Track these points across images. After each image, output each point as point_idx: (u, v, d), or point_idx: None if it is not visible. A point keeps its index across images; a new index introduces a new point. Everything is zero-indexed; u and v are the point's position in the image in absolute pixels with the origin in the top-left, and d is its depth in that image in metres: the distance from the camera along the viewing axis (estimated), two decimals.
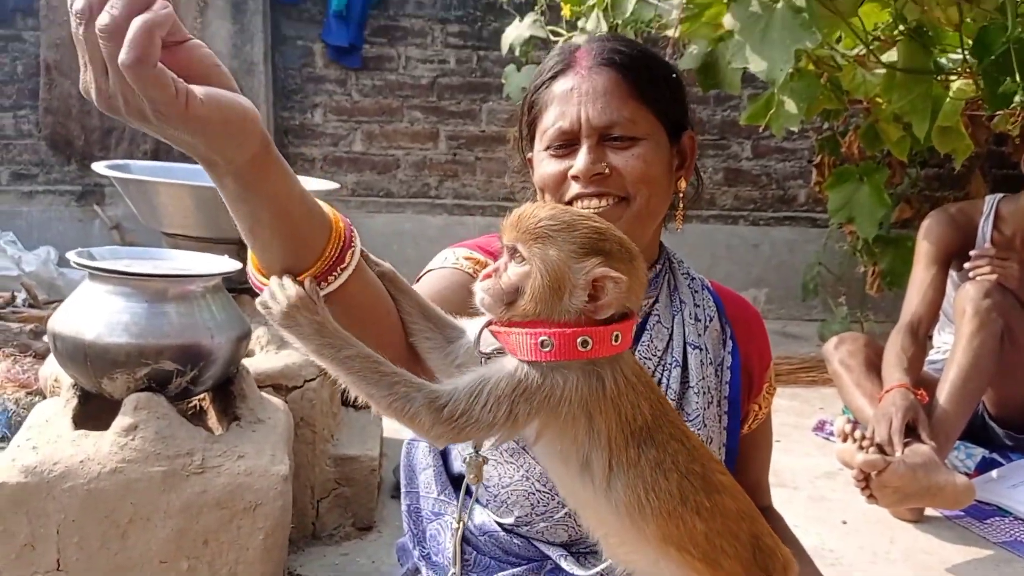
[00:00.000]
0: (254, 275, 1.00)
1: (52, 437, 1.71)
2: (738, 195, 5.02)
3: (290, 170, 0.92)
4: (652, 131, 1.29)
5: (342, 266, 0.96)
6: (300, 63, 4.86)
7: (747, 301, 1.51)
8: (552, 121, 1.29)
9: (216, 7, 4.55)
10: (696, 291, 1.41)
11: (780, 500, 1.71)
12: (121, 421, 1.68)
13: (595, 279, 0.95)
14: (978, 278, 2.75)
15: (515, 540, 1.30)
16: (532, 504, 1.28)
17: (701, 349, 1.36)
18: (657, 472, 0.98)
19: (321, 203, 0.98)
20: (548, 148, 1.30)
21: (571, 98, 1.28)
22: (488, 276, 1.00)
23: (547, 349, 0.95)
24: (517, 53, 3.99)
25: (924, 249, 2.94)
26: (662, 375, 1.33)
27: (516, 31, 3.93)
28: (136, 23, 0.73)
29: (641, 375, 1.01)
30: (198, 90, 0.79)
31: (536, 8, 3.89)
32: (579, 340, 0.95)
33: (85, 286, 1.77)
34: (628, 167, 1.26)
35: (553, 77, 1.31)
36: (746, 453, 1.45)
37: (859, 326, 4.24)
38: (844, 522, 2.53)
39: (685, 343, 1.35)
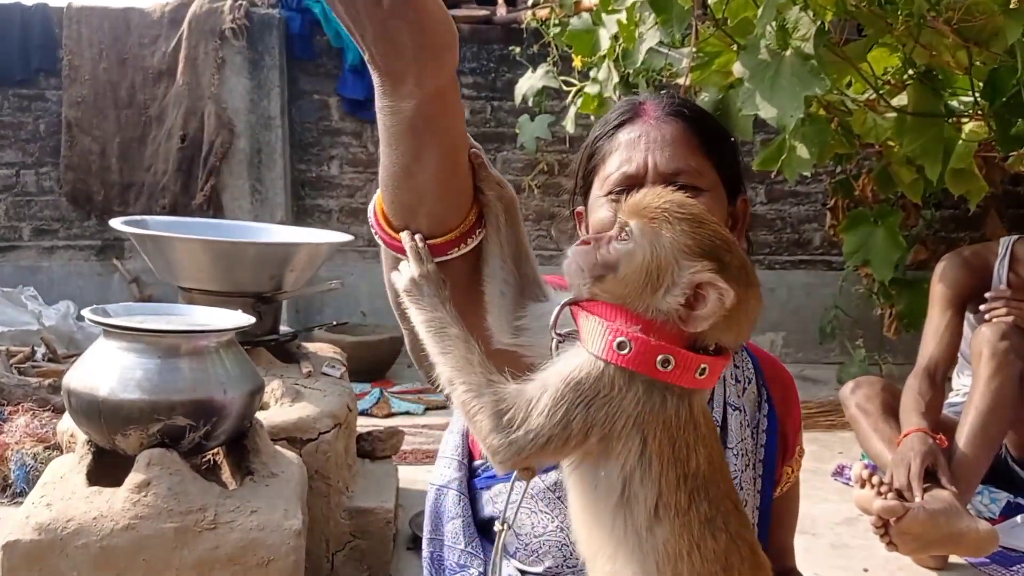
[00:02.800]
0: (378, 221, 0.96)
1: (66, 494, 1.72)
2: (753, 239, 5.01)
3: (464, 113, 0.90)
4: (714, 186, 1.28)
5: (477, 231, 0.95)
6: (316, 116, 4.94)
7: (782, 364, 1.49)
8: (617, 166, 1.28)
9: (234, 64, 4.65)
10: (736, 352, 1.39)
11: (800, 548, 1.68)
12: (134, 478, 1.69)
13: (699, 283, 0.85)
14: (994, 320, 2.73)
15: None
16: (564, 556, 1.26)
17: (740, 410, 1.34)
18: (706, 529, 0.87)
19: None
20: (610, 193, 1.28)
21: (638, 144, 1.27)
22: (586, 243, 0.91)
23: (624, 352, 0.85)
24: (530, 103, 4.04)
25: (939, 292, 2.92)
26: None
27: (529, 82, 3.99)
28: None
29: (707, 419, 0.91)
30: None
31: (548, 59, 3.95)
32: (660, 357, 0.85)
33: (99, 343, 1.80)
34: None
35: (619, 126, 1.31)
36: (776, 516, 1.43)
37: (877, 368, 4.21)
38: (866, 570, 2.49)
39: (726, 403, 1.34)
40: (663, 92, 1.36)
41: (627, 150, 1.28)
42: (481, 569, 1.34)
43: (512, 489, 1.06)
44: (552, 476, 1.27)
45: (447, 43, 0.82)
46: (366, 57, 0.84)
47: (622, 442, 0.86)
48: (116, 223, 2.60)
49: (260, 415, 2.09)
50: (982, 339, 2.67)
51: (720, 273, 0.85)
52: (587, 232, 1.36)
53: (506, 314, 0.99)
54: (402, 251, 0.93)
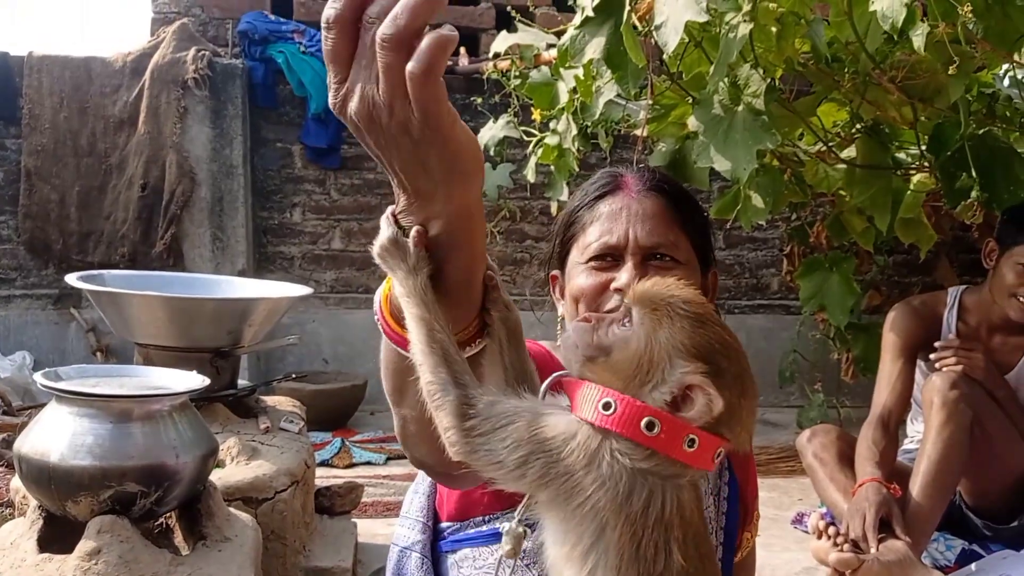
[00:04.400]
0: (383, 311, 0.96)
1: (16, 560, 1.69)
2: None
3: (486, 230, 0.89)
4: (690, 259, 1.34)
5: (476, 341, 0.94)
6: (279, 164, 4.95)
7: None
8: (598, 236, 1.33)
9: (196, 112, 4.66)
10: None
11: None
12: (84, 545, 1.66)
13: (689, 385, 0.82)
14: (944, 369, 2.79)
15: None
16: None
17: (704, 479, 1.35)
18: None
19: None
20: (590, 261, 1.34)
21: (620, 216, 1.32)
22: (587, 320, 0.90)
23: (608, 413, 0.82)
24: (492, 152, 4.09)
25: (891, 342, 2.98)
26: None
27: (490, 131, 4.04)
28: (432, 37, 0.73)
29: (692, 520, 0.85)
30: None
31: (509, 110, 4.01)
32: (646, 420, 0.82)
33: (51, 407, 1.78)
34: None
35: (599, 197, 1.37)
36: None
37: (836, 412, 4.27)
38: None
39: None
40: (641, 167, 1.42)
41: (608, 221, 1.33)
42: None
43: (500, 564, 1.06)
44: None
45: (475, 168, 0.83)
46: (393, 181, 0.85)
47: (576, 520, 0.83)
48: (72, 278, 2.58)
49: (216, 474, 2.07)
50: (933, 388, 2.72)
51: (713, 378, 0.82)
52: (561, 296, 1.41)
53: None
54: (403, 344, 0.91)
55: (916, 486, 2.59)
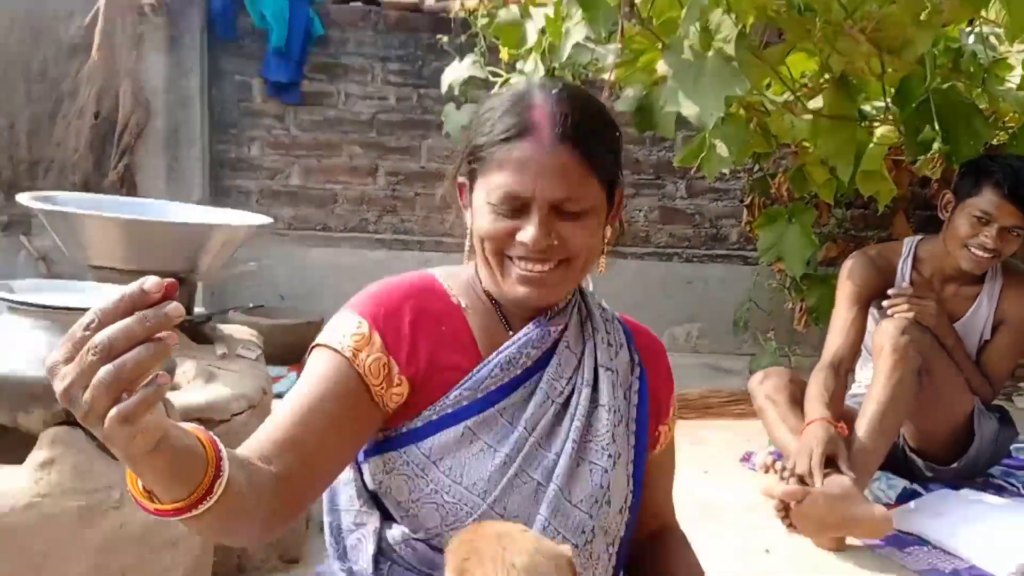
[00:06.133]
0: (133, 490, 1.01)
1: None
2: (673, 233, 5.12)
3: (178, 436, 0.94)
4: (597, 201, 1.34)
5: (209, 496, 0.99)
6: (237, 98, 4.85)
7: (654, 335, 1.60)
8: (504, 182, 1.30)
9: (152, 40, 4.53)
10: (608, 320, 1.51)
11: (706, 531, 1.76)
12: (36, 456, 1.65)
13: None
14: (896, 316, 2.85)
15: (429, 551, 1.33)
16: (442, 516, 1.32)
17: (613, 371, 1.44)
18: None
19: (196, 433, 1.01)
20: (493, 204, 1.32)
21: (528, 167, 1.29)
22: None
23: None
24: (457, 92, 4.05)
25: (845, 290, 3.03)
26: (572, 394, 1.41)
27: (455, 71, 4.00)
28: (138, 397, 0.82)
29: None
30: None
31: (476, 50, 3.96)
32: None
33: (4, 319, 1.74)
34: (575, 237, 1.32)
35: (507, 139, 1.32)
36: (654, 475, 1.54)
37: (787, 360, 4.34)
38: (767, 551, 2.58)
39: (597, 365, 1.44)
40: (552, 92, 1.37)
41: (516, 171, 1.30)
42: (376, 524, 1.39)
43: None
44: (427, 444, 1.34)
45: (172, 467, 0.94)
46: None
47: None
48: (24, 198, 2.52)
49: (171, 396, 2.05)
50: (884, 334, 2.78)
51: None
52: (469, 204, 1.39)
53: None
54: (167, 513, 0.98)
55: (862, 426, 2.66)
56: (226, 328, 2.83)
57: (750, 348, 4.83)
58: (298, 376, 1.36)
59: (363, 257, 4.93)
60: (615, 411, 1.42)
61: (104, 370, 0.81)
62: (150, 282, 0.82)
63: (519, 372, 1.40)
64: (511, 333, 1.44)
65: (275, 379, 3.80)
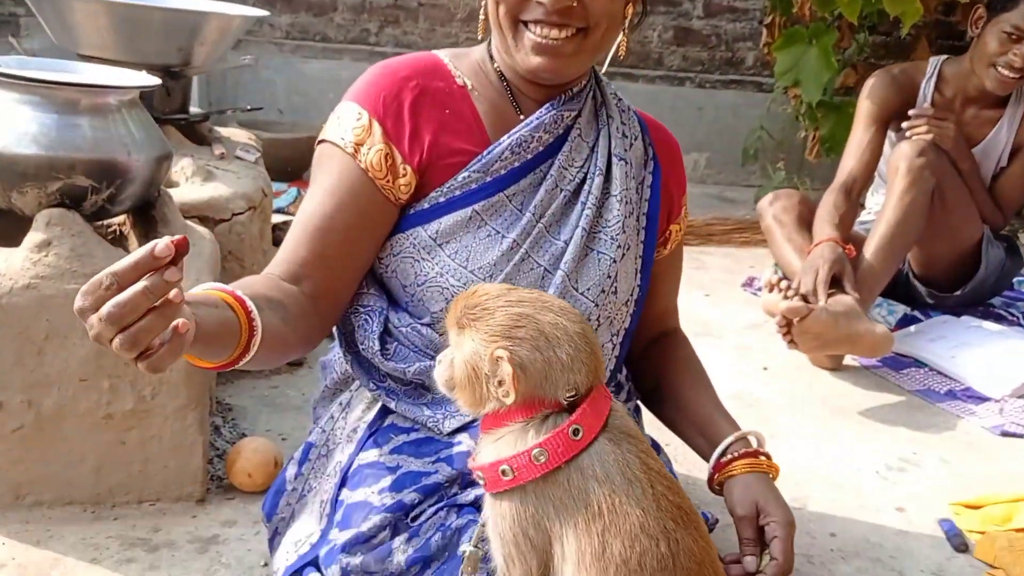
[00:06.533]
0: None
1: None
2: (686, 56, 4.93)
3: (209, 318, 0.99)
4: (609, 11, 1.28)
5: (247, 356, 1.07)
6: None
7: (668, 130, 1.55)
8: None
9: None
10: (623, 110, 1.45)
11: (706, 348, 1.76)
12: (33, 237, 1.61)
13: (496, 359, 0.99)
14: (915, 138, 2.77)
15: (435, 335, 1.32)
16: (446, 299, 1.30)
17: (626, 162, 1.40)
18: (621, 572, 0.96)
19: (224, 297, 1.06)
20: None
21: None
22: (441, 362, 1.07)
23: (508, 477, 0.99)
24: None
25: (865, 109, 2.93)
26: (583, 182, 1.37)
27: None
28: (163, 351, 0.88)
29: (602, 467, 1.00)
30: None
31: None
32: (535, 454, 0.99)
33: None
34: (596, 2, 1.25)
35: None
36: (661, 276, 1.53)
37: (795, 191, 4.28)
38: (765, 368, 2.61)
39: (611, 154, 1.39)
40: None
41: None
42: (383, 306, 1.37)
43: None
44: (433, 226, 1.31)
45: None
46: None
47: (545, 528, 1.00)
48: None
49: (170, 191, 2.00)
50: (900, 154, 2.70)
51: (511, 346, 0.98)
52: None
53: None
54: (211, 368, 1.07)
55: (871, 247, 2.63)
56: (224, 131, 2.75)
57: (758, 179, 4.75)
58: (300, 192, 1.34)
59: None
60: (626, 202, 1.39)
61: (120, 339, 0.86)
62: (160, 245, 0.86)
63: (530, 156, 1.34)
64: (522, 117, 1.37)
65: (276, 194, 3.74)
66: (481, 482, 1.04)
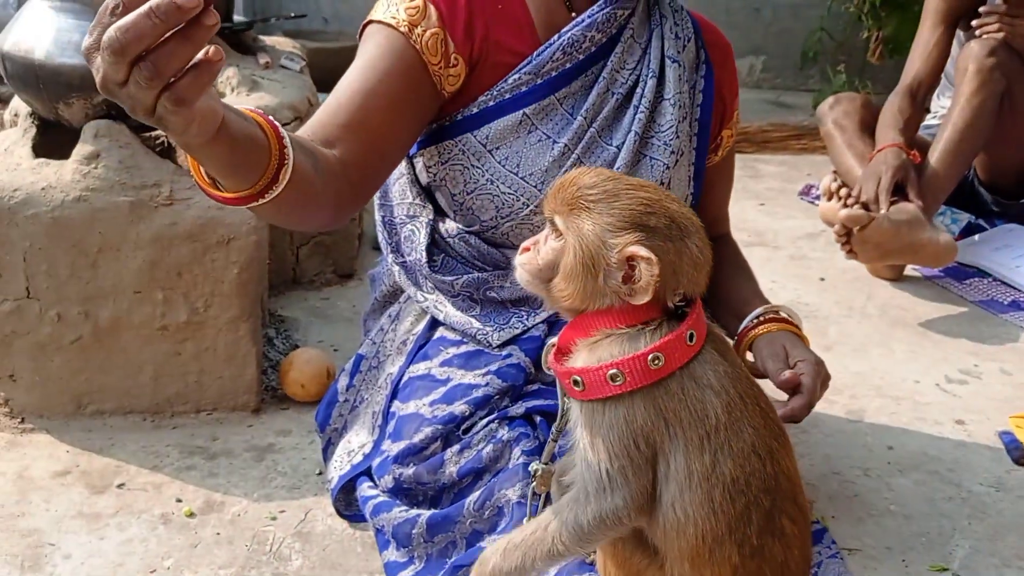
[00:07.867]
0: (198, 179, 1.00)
1: (11, 165, 1.65)
2: None
3: (238, 124, 0.90)
4: None
5: (275, 188, 0.96)
6: None
7: (720, 31, 1.49)
8: None
9: None
10: (676, 10, 1.39)
11: (761, 258, 1.71)
12: (82, 149, 1.61)
13: (628, 257, 0.88)
14: (985, 37, 2.62)
15: (483, 245, 1.30)
16: (497, 207, 1.27)
17: (679, 64, 1.35)
18: (728, 493, 0.90)
19: (257, 118, 0.95)
20: None
21: None
22: (527, 249, 0.95)
23: (618, 382, 0.89)
24: None
25: (932, 6, 2.77)
26: (636, 85, 1.33)
27: None
28: (188, 80, 0.74)
29: (716, 372, 0.92)
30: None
31: None
32: (650, 358, 0.89)
33: (31, 4, 1.64)
34: None
35: None
36: (712, 183, 1.49)
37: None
38: (822, 279, 2.55)
39: (663, 55, 1.34)
40: None
41: None
42: (430, 216, 1.36)
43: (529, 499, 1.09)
44: (483, 131, 1.27)
45: (206, 129, 0.84)
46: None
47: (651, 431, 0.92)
48: None
49: None
50: (969, 55, 2.56)
51: (647, 239, 0.87)
52: None
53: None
54: (234, 201, 0.96)
55: (936, 151, 2.52)
56: (268, 40, 2.71)
57: (817, 84, 4.57)
58: None
59: None
60: (680, 106, 1.34)
61: (139, 70, 0.73)
62: None
63: (581, 57, 1.29)
64: (573, 15, 1.31)
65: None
66: (578, 388, 0.93)
